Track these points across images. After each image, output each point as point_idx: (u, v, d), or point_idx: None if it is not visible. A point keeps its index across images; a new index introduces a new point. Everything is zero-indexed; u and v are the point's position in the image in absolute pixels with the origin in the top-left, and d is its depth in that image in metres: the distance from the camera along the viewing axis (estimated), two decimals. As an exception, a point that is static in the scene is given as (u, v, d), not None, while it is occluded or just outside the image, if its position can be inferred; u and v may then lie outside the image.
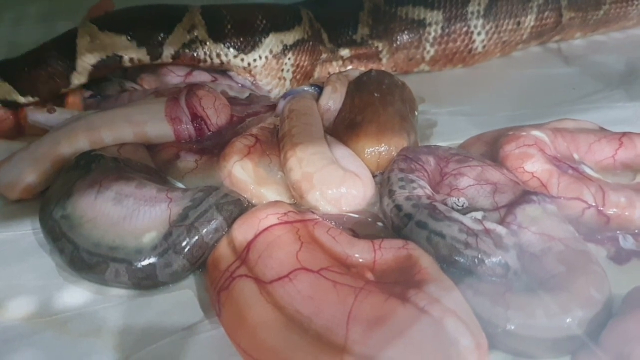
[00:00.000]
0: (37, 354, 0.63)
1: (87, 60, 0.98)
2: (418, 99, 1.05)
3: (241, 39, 1.05)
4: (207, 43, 1.03)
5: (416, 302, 0.57)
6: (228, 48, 1.04)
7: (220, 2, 1.10)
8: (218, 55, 1.05)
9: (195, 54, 1.03)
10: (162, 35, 1.01)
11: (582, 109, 1.04)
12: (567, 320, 0.58)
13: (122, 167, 0.82)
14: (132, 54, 1.00)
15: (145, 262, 0.68)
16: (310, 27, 1.11)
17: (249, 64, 1.07)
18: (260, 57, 1.07)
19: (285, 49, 1.08)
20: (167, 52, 1.02)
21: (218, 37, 1.04)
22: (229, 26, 1.04)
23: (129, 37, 0.99)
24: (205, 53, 1.03)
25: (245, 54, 1.06)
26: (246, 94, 1.07)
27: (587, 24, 1.31)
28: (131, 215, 0.72)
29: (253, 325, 0.59)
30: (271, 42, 1.07)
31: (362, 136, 0.85)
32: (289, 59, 1.09)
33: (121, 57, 1.00)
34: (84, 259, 0.70)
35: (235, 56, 1.05)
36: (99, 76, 1.04)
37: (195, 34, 1.02)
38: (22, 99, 0.97)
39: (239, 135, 0.87)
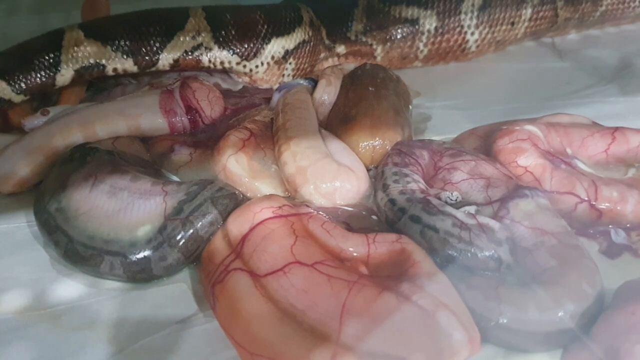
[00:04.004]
0: (31, 347, 0.63)
1: (70, 65, 0.95)
2: (414, 92, 1.05)
3: (245, 46, 1.03)
4: (213, 50, 1.01)
5: (409, 296, 0.58)
6: (232, 55, 1.03)
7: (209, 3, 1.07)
8: (222, 63, 1.03)
9: (199, 60, 1.01)
10: (156, 44, 0.98)
11: (575, 103, 1.04)
12: (559, 313, 0.58)
13: (117, 160, 0.81)
14: (116, 64, 0.97)
15: (140, 255, 0.69)
16: (311, 27, 1.09)
17: (250, 70, 1.06)
18: (262, 64, 1.05)
19: (287, 54, 1.07)
20: (165, 61, 1.00)
21: (223, 43, 1.02)
22: (233, 32, 1.02)
23: (113, 47, 0.96)
24: (209, 60, 1.02)
25: (248, 60, 1.04)
26: (239, 87, 1.07)
27: (583, 24, 1.31)
28: (126, 208, 0.72)
29: (247, 318, 0.59)
30: (273, 48, 1.05)
31: (357, 130, 0.85)
32: (290, 63, 1.08)
33: (104, 66, 0.97)
34: (78, 251, 0.70)
35: (238, 63, 1.04)
36: (85, 81, 1.02)
37: (200, 40, 1.00)
38: (16, 97, 0.94)
39: (233, 129, 0.87)
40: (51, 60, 0.94)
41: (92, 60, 0.96)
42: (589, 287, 0.61)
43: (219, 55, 1.02)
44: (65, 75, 0.95)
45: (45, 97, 1.03)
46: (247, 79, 1.07)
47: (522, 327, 0.59)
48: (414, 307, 0.57)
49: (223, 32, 1.02)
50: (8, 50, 0.97)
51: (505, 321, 0.59)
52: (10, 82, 0.93)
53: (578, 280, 0.61)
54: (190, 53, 1.00)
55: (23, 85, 0.94)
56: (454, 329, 0.56)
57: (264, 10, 1.07)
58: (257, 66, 1.05)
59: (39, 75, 0.94)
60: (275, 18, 1.06)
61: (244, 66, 1.05)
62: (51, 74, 0.94)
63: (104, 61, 0.97)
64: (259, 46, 1.04)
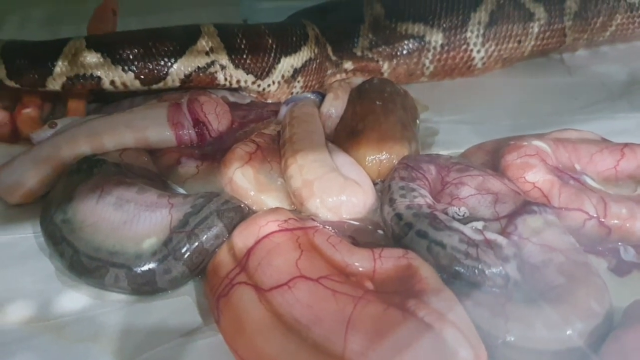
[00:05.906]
0: (35, 358, 0.63)
1: (64, 71, 0.94)
2: (421, 107, 1.04)
3: (257, 65, 1.03)
4: (228, 68, 1.00)
5: (415, 313, 0.57)
6: (247, 74, 1.02)
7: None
8: (238, 81, 1.03)
9: (214, 77, 1.00)
10: (165, 59, 0.97)
11: (584, 119, 1.04)
12: (568, 332, 0.58)
13: (124, 172, 0.82)
14: (114, 77, 0.96)
15: (145, 268, 0.68)
16: (317, 44, 1.09)
17: (263, 89, 1.05)
18: (273, 83, 1.05)
19: (295, 72, 1.06)
20: (176, 76, 0.98)
21: (237, 62, 1.01)
22: (246, 50, 1.02)
23: (114, 60, 0.95)
24: (225, 77, 1.01)
25: (262, 79, 1.04)
26: (247, 100, 1.07)
27: (593, 43, 1.30)
28: (132, 220, 0.72)
29: (251, 332, 0.59)
30: (283, 67, 1.05)
31: (364, 144, 0.85)
32: (299, 81, 1.08)
33: (100, 78, 0.95)
34: (83, 263, 0.70)
35: (253, 82, 1.04)
36: (77, 92, 1.01)
37: (214, 57, 0.99)
38: (7, 80, 0.95)
39: (240, 142, 0.87)
40: (48, 62, 0.94)
41: (88, 71, 0.95)
42: (598, 305, 0.60)
43: (235, 74, 1.01)
44: (56, 80, 0.95)
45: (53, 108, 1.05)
46: (258, 96, 1.07)
47: (529, 345, 0.58)
48: (420, 324, 0.57)
49: (237, 50, 1.01)
50: (21, 41, 0.99)
51: (512, 339, 0.58)
52: (8, 65, 0.94)
53: (587, 298, 0.60)
54: (204, 70, 0.99)
55: (17, 72, 0.95)
56: (460, 346, 0.55)
57: (271, 28, 1.07)
58: (269, 85, 1.05)
59: (33, 70, 0.94)
60: (283, 36, 1.06)
61: (258, 85, 1.05)
62: (44, 74, 0.95)
63: (100, 73, 0.95)
64: (271, 65, 1.04)
